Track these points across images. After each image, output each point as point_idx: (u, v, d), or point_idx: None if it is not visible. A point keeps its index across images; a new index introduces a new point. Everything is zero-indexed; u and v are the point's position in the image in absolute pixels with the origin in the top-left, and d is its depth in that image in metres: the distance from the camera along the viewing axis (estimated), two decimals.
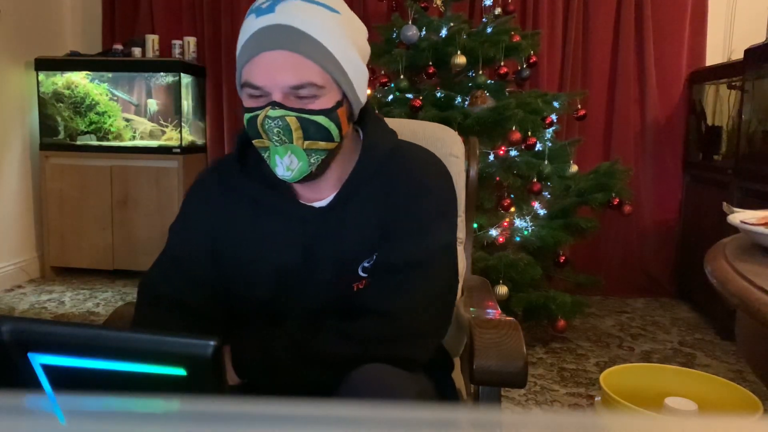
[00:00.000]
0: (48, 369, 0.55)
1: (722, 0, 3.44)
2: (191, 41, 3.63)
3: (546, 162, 2.65)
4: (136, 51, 3.54)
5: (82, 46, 3.83)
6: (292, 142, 0.90)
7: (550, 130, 2.79)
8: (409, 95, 2.69)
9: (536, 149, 2.67)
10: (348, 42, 0.91)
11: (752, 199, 2.56)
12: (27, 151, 3.57)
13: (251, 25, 0.89)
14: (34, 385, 0.55)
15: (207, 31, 3.69)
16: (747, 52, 2.73)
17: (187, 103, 3.60)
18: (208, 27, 3.69)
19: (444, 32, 2.79)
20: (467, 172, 1.40)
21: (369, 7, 3.54)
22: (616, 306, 3.31)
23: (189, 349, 0.55)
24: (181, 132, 3.50)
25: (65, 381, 0.56)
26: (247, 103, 0.92)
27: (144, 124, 3.60)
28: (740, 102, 2.79)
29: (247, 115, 0.92)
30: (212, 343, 0.54)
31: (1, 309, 3.05)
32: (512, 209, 2.63)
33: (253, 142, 0.94)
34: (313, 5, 0.89)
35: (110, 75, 3.55)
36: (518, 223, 2.68)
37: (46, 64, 3.50)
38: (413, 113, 2.53)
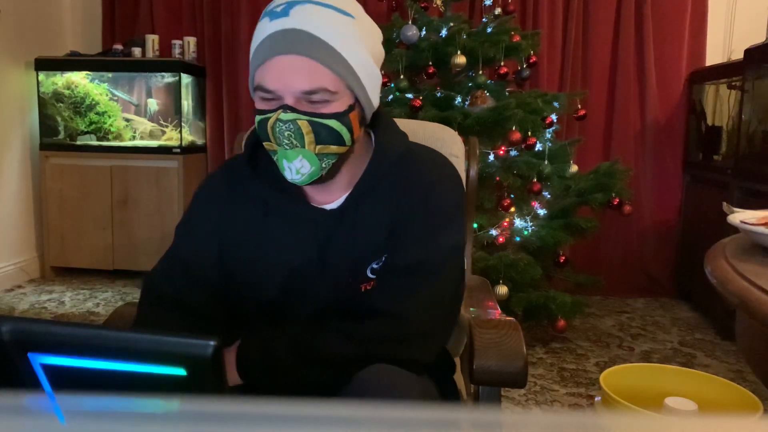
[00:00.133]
0: (48, 369, 0.55)
1: (722, 0, 3.44)
2: (191, 41, 3.63)
3: (546, 162, 2.65)
4: (136, 51, 3.54)
5: (82, 46, 3.83)
6: (304, 147, 0.90)
7: (550, 130, 2.79)
8: (409, 95, 2.69)
9: (536, 149, 2.67)
10: (361, 46, 0.91)
11: (752, 199, 2.56)
12: (27, 151, 3.57)
13: (265, 28, 0.89)
14: (34, 385, 0.55)
15: (207, 31, 3.69)
16: (747, 52, 2.73)
17: (187, 103, 3.60)
18: (208, 27, 3.69)
19: (444, 32, 2.79)
20: (467, 172, 1.40)
21: (369, 7, 3.54)
22: (616, 306, 3.31)
23: (189, 349, 0.55)
24: (181, 132, 3.50)
25: (65, 381, 0.56)
26: (259, 105, 0.91)
27: (144, 124, 3.60)
28: (740, 102, 2.79)
29: (258, 117, 0.92)
30: (212, 343, 0.54)
31: (1, 309, 3.05)
32: (512, 209, 2.63)
33: (264, 144, 0.94)
34: (328, 9, 0.88)
35: (110, 75, 3.55)
36: (518, 223, 2.68)
37: (46, 64, 3.50)
38: (413, 113, 2.53)
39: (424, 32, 2.78)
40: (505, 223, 2.66)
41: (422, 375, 0.93)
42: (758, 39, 2.79)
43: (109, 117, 3.58)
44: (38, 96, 3.52)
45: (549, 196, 2.78)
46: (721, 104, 3.20)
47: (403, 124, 1.11)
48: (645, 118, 3.48)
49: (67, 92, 3.55)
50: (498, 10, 2.94)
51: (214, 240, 1.02)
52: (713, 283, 0.86)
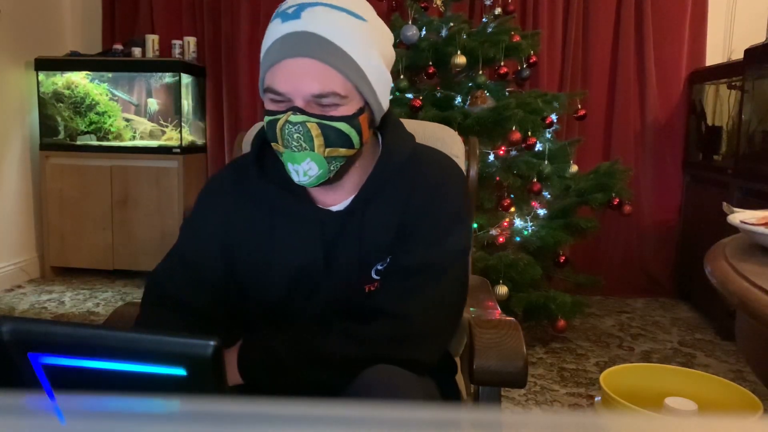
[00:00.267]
0: (48, 369, 0.55)
1: (722, 0, 3.44)
2: (191, 41, 3.63)
3: (546, 162, 2.65)
4: (136, 51, 3.54)
5: (82, 46, 3.83)
6: (314, 150, 0.89)
7: (550, 130, 2.79)
8: (409, 95, 2.69)
9: (536, 149, 2.67)
10: (373, 50, 0.91)
11: (752, 199, 2.56)
12: (27, 151, 3.57)
13: (276, 30, 0.89)
14: (34, 385, 0.55)
15: (207, 31, 3.69)
16: (747, 52, 2.73)
17: (187, 103, 3.60)
18: (208, 27, 3.69)
19: (444, 32, 2.79)
20: (467, 172, 1.40)
21: None
22: (616, 306, 3.31)
23: (189, 349, 0.55)
24: (181, 132, 3.51)
25: (65, 381, 0.56)
26: (269, 106, 0.91)
27: (144, 124, 3.60)
28: (740, 102, 2.79)
29: (267, 118, 0.91)
30: (212, 343, 0.54)
31: (1, 309, 3.05)
32: (512, 209, 2.63)
33: (272, 144, 0.94)
34: (340, 12, 0.88)
35: (110, 75, 3.55)
36: (518, 223, 2.68)
37: (46, 64, 3.50)
38: (413, 113, 2.53)
39: (424, 32, 2.78)
40: (505, 223, 2.66)
41: (425, 376, 0.93)
42: (758, 39, 2.79)
43: (109, 117, 3.58)
44: (38, 96, 3.52)
45: (549, 196, 2.78)
46: (721, 104, 3.20)
47: (403, 124, 1.11)
48: (645, 118, 3.48)
49: (67, 92, 3.55)
50: (498, 10, 2.94)
51: (221, 240, 1.02)
52: (713, 283, 0.86)
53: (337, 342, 0.90)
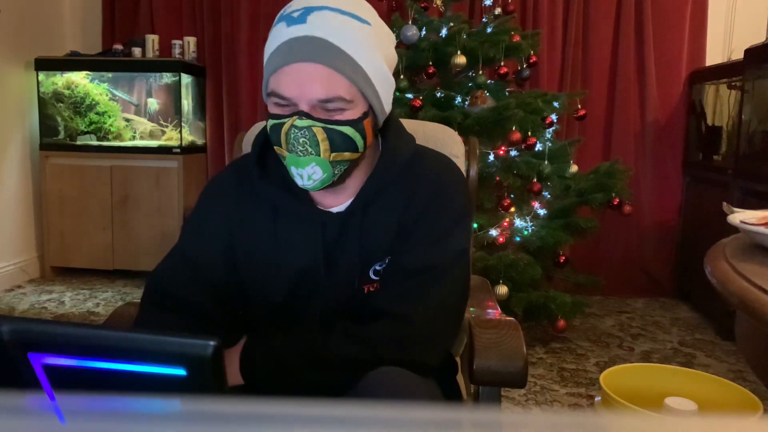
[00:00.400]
0: (48, 369, 0.55)
1: (722, 0, 3.44)
2: (191, 41, 3.63)
3: (546, 162, 2.65)
4: (136, 51, 3.54)
5: (82, 46, 3.83)
6: (319, 154, 0.89)
7: (550, 130, 2.79)
8: (409, 95, 2.69)
9: (536, 149, 2.67)
10: (377, 54, 0.91)
11: (752, 199, 2.56)
12: (27, 151, 3.57)
13: (281, 33, 0.88)
14: (34, 385, 0.55)
15: (207, 31, 3.69)
16: (747, 52, 2.73)
17: (187, 103, 3.60)
18: (208, 27, 3.69)
19: (444, 32, 2.79)
20: (467, 172, 1.40)
21: None
22: (616, 306, 3.31)
23: (189, 349, 0.55)
24: (181, 132, 3.51)
25: (65, 381, 0.56)
26: (273, 109, 0.91)
27: (144, 124, 3.60)
28: (740, 102, 2.79)
29: (271, 122, 0.91)
30: (212, 343, 0.54)
31: (1, 309, 3.05)
32: (512, 209, 2.63)
33: (275, 148, 0.94)
34: (345, 16, 0.88)
35: (110, 75, 3.55)
36: (518, 223, 2.68)
37: (46, 64, 3.50)
38: (413, 113, 2.53)
39: (424, 32, 2.78)
40: (505, 223, 2.66)
41: (429, 378, 0.93)
42: (758, 39, 2.79)
43: (109, 117, 3.58)
44: (38, 96, 3.52)
45: (549, 196, 2.78)
46: (721, 104, 3.20)
47: (403, 124, 1.11)
48: (645, 118, 3.48)
49: (67, 92, 3.55)
50: (498, 10, 2.94)
51: (222, 240, 1.02)
52: (713, 283, 0.86)
53: (339, 343, 0.90)
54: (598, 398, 1.49)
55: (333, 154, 0.90)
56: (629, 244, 3.51)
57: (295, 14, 0.88)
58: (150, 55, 3.55)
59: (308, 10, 0.87)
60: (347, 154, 0.92)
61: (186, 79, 3.56)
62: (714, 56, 3.43)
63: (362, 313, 0.94)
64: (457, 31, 2.72)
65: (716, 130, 3.23)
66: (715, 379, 1.49)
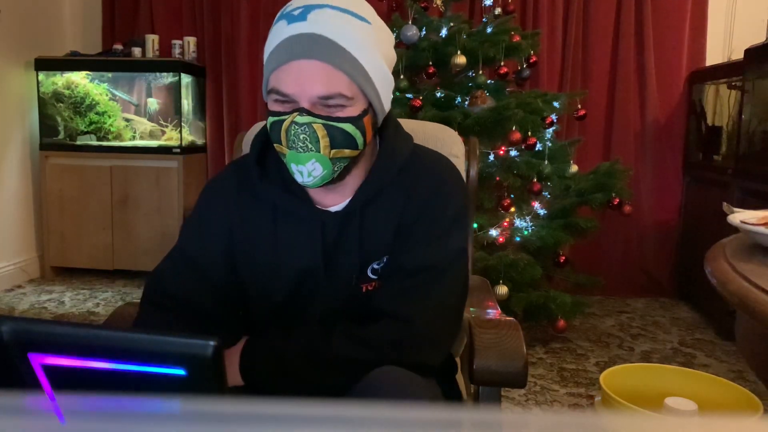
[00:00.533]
0: (48, 369, 0.55)
1: (722, 0, 3.44)
2: (191, 41, 3.63)
3: (546, 162, 2.65)
4: (136, 51, 3.54)
5: (82, 46, 3.83)
6: (319, 151, 0.89)
7: (550, 130, 2.79)
8: (409, 95, 2.69)
9: (536, 149, 2.67)
10: (377, 52, 0.91)
11: (752, 199, 2.56)
12: (27, 151, 3.57)
13: (282, 31, 0.89)
14: (34, 385, 0.55)
15: (207, 31, 3.69)
16: (747, 52, 2.73)
17: (187, 103, 3.60)
18: (208, 27, 3.69)
19: (444, 32, 2.79)
20: (467, 172, 1.40)
21: None
22: (616, 306, 3.31)
23: (189, 349, 0.55)
24: (181, 132, 3.51)
25: (65, 381, 0.56)
26: (273, 107, 0.91)
27: (144, 124, 3.60)
28: (740, 102, 2.79)
29: (271, 119, 0.91)
30: (212, 343, 0.54)
31: (1, 309, 3.05)
32: (512, 209, 2.63)
33: (275, 145, 0.94)
34: (345, 14, 0.88)
35: (110, 75, 3.55)
36: (518, 223, 2.68)
37: (46, 64, 3.50)
38: (413, 113, 2.53)
39: (424, 32, 2.78)
40: (505, 223, 2.66)
41: (430, 378, 0.94)
42: (758, 39, 2.79)
43: (109, 117, 3.58)
44: (38, 96, 3.52)
45: (549, 196, 2.78)
46: (721, 104, 3.20)
47: (403, 124, 1.11)
48: (645, 118, 3.48)
49: (67, 92, 3.55)
50: (498, 10, 2.94)
51: (223, 240, 1.02)
52: (713, 283, 0.86)
53: (340, 344, 0.90)
54: (598, 398, 1.50)
55: (333, 151, 0.90)
56: (629, 244, 3.51)
57: (296, 12, 0.88)
58: (150, 55, 3.55)
59: (309, 8, 0.88)
60: (347, 151, 0.92)
61: (186, 79, 3.56)
62: (714, 56, 3.43)
63: (362, 314, 0.94)
64: (457, 31, 2.72)
65: (716, 130, 3.23)
66: (715, 379, 1.49)
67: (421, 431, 0.33)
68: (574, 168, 2.80)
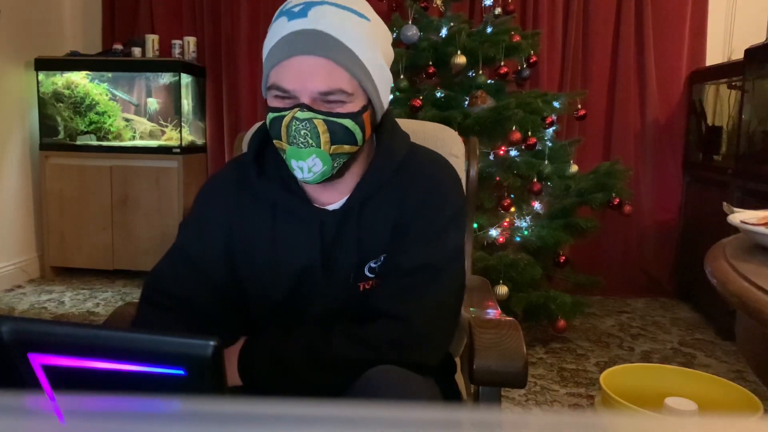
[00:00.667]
0: (48, 369, 0.55)
1: (722, 0, 3.44)
2: (191, 41, 3.63)
3: (546, 162, 2.65)
4: (136, 51, 3.54)
5: (82, 46, 3.83)
6: (320, 146, 0.90)
7: (550, 130, 2.79)
8: (410, 95, 2.69)
9: (536, 149, 2.67)
10: (376, 49, 0.92)
11: (752, 199, 2.56)
12: (27, 151, 3.57)
13: (282, 27, 0.89)
14: (34, 385, 0.55)
15: (207, 31, 3.69)
16: (747, 52, 2.73)
17: (187, 103, 3.60)
18: (208, 27, 3.69)
19: (444, 32, 2.79)
20: (467, 172, 1.40)
21: None
22: (616, 306, 3.31)
23: (189, 349, 0.55)
24: (181, 132, 3.51)
25: (65, 381, 0.56)
26: (273, 103, 0.91)
27: (144, 124, 3.60)
28: (740, 102, 2.79)
29: (271, 115, 0.91)
30: (212, 343, 0.54)
31: (1, 309, 3.05)
32: (512, 209, 2.63)
33: (275, 141, 0.94)
34: (345, 11, 0.89)
35: (110, 75, 3.55)
36: (518, 223, 2.68)
37: (46, 64, 3.50)
38: (413, 113, 2.53)
39: (424, 32, 2.78)
40: (505, 223, 2.66)
41: (428, 377, 0.94)
42: (758, 39, 2.79)
43: (109, 117, 3.58)
44: (38, 96, 3.52)
45: (549, 196, 2.78)
46: (721, 104, 3.20)
47: (403, 124, 1.11)
48: (645, 118, 3.48)
49: (67, 92, 3.55)
50: (498, 10, 2.94)
51: (222, 239, 1.02)
52: (713, 284, 0.86)
53: (339, 344, 0.90)
54: (598, 398, 1.49)
55: (333, 147, 0.91)
56: (629, 244, 3.51)
57: (296, 9, 0.89)
58: (150, 55, 3.55)
59: (309, 5, 0.88)
60: (347, 147, 0.92)
61: (186, 79, 3.56)
62: (714, 56, 3.43)
63: (361, 313, 0.94)
64: (457, 31, 2.72)
65: (716, 130, 3.23)
66: (715, 379, 1.49)
67: (421, 431, 0.33)
68: (574, 168, 2.80)
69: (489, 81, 2.82)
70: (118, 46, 3.57)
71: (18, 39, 3.43)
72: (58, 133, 3.57)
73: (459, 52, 2.67)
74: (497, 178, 2.64)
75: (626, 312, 3.22)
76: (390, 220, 0.98)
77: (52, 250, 3.57)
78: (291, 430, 0.32)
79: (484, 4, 3.04)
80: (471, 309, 1.18)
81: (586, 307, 2.73)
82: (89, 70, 3.54)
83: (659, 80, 3.44)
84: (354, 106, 0.91)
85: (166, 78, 3.53)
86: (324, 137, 0.89)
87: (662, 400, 1.37)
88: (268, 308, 1.03)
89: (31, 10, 3.52)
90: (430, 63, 2.72)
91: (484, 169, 2.58)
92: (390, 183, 0.99)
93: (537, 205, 2.72)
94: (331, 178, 0.94)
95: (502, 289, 2.49)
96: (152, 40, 3.56)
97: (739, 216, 0.97)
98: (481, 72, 2.76)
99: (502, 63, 2.73)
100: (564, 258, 2.70)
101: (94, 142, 3.56)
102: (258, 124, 1.10)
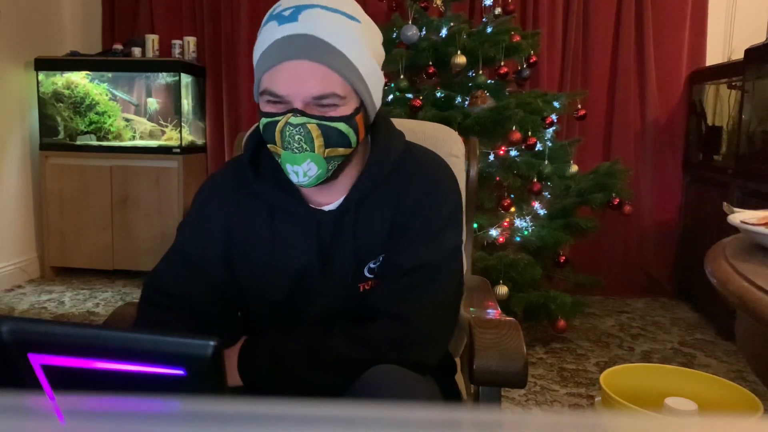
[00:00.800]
0: (48, 369, 0.55)
1: (722, 0, 3.44)
2: (191, 41, 3.63)
3: (546, 162, 2.65)
4: (136, 51, 3.54)
5: (82, 46, 3.83)
6: (314, 151, 0.90)
7: (550, 130, 2.79)
8: (409, 95, 2.69)
9: (536, 149, 2.67)
10: (367, 51, 0.92)
11: (752, 199, 2.56)
12: (27, 151, 3.57)
13: (272, 32, 0.89)
14: (34, 385, 0.55)
15: (207, 31, 3.69)
16: (747, 52, 2.73)
17: (187, 103, 3.60)
18: (208, 27, 3.69)
19: (444, 32, 2.79)
20: (467, 172, 1.40)
21: (369, 7, 3.54)
22: (616, 306, 3.31)
23: (189, 349, 0.55)
24: (181, 132, 3.50)
25: (65, 381, 0.56)
26: (266, 108, 0.91)
27: (144, 124, 3.60)
28: (740, 102, 2.79)
29: (264, 120, 0.91)
30: (212, 343, 0.54)
31: (1, 309, 3.05)
32: (512, 209, 2.63)
33: (269, 146, 0.94)
34: (335, 14, 0.88)
35: (110, 75, 3.55)
36: (518, 223, 2.68)
37: (46, 64, 3.50)
38: (413, 113, 2.53)
39: (424, 32, 2.78)
40: (505, 223, 2.66)
41: (428, 377, 0.94)
42: (758, 39, 2.79)
43: (109, 117, 3.58)
44: (38, 96, 3.52)
45: (549, 196, 2.78)
46: (721, 104, 3.20)
47: (403, 124, 1.11)
48: (645, 118, 3.48)
49: (67, 92, 3.55)
50: (498, 10, 2.94)
51: (221, 240, 1.02)
52: (713, 283, 0.86)
53: (338, 344, 0.90)
54: (598, 398, 1.49)
55: (327, 150, 0.91)
56: (629, 244, 3.51)
57: (286, 13, 0.88)
58: (150, 55, 3.55)
59: (299, 9, 0.88)
60: (341, 150, 0.92)
61: (186, 79, 3.56)
62: (714, 56, 3.43)
63: (360, 313, 0.94)
64: (457, 31, 2.72)
65: (716, 130, 3.23)
66: (715, 379, 1.49)
67: (421, 431, 0.33)
68: (574, 168, 2.80)
69: (489, 81, 2.82)
70: (118, 46, 3.57)
71: (18, 39, 3.43)
72: (58, 133, 3.57)
73: (459, 52, 2.67)
74: (497, 178, 2.65)
75: (626, 312, 3.22)
76: (387, 219, 0.98)
77: (52, 250, 3.57)
78: (291, 430, 0.32)
79: (484, 4, 3.04)
80: (471, 309, 1.18)
81: (586, 307, 2.74)
82: (89, 70, 3.54)
83: (659, 80, 3.44)
84: (347, 109, 0.91)
85: (166, 78, 3.53)
86: (318, 141, 0.89)
87: (662, 400, 1.37)
88: (268, 308, 1.03)
89: (31, 10, 3.52)
90: (430, 63, 2.72)
91: (484, 169, 2.58)
92: (386, 182, 0.99)
93: (537, 205, 2.72)
94: (326, 180, 0.94)
95: (502, 289, 2.49)
96: (152, 40, 3.56)
97: (739, 216, 0.97)
98: (481, 72, 2.76)
99: (502, 63, 2.73)
100: (564, 258, 2.70)
101: (94, 142, 3.56)
102: (255, 125, 1.10)
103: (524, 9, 3.46)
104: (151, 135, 3.59)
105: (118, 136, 3.59)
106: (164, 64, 3.52)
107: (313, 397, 0.87)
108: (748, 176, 2.67)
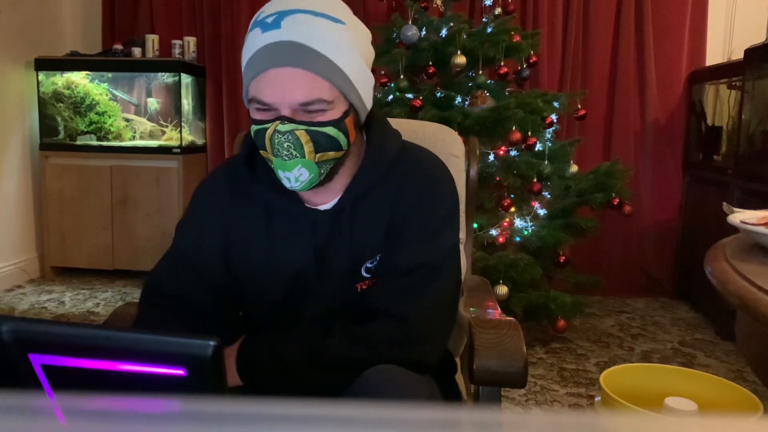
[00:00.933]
0: (48, 369, 0.55)
1: (722, 0, 3.44)
2: (191, 41, 3.63)
3: (546, 162, 2.65)
4: (136, 51, 3.54)
5: (82, 46, 3.83)
6: (304, 156, 0.90)
7: (550, 130, 2.79)
8: (409, 95, 2.69)
9: (536, 149, 2.67)
10: (355, 52, 0.91)
11: (752, 199, 2.56)
12: (27, 151, 3.57)
13: (257, 40, 0.88)
14: (34, 385, 0.55)
15: (207, 31, 3.69)
16: (747, 52, 2.73)
17: (187, 103, 3.60)
18: (208, 27, 3.69)
19: (444, 32, 2.79)
20: (467, 172, 1.40)
21: (369, 7, 3.54)
22: (616, 306, 3.31)
23: (189, 349, 0.55)
24: (181, 132, 3.51)
25: (65, 381, 0.56)
26: (255, 115, 0.91)
27: (144, 124, 3.60)
28: (740, 102, 2.79)
29: (255, 128, 0.91)
30: (212, 343, 0.54)
31: (1, 309, 3.05)
32: (512, 209, 2.63)
33: (261, 152, 0.94)
34: (319, 18, 0.88)
35: (110, 75, 3.55)
36: (518, 223, 2.68)
37: (46, 64, 3.50)
38: (413, 113, 2.53)
39: (424, 32, 2.78)
40: (505, 223, 2.66)
41: (427, 376, 0.94)
42: (758, 39, 2.79)
43: (109, 117, 3.58)
44: (38, 96, 3.52)
45: (549, 196, 2.78)
46: (721, 104, 3.20)
47: (403, 124, 1.11)
48: (645, 118, 3.48)
49: (67, 92, 3.55)
50: (498, 10, 2.94)
51: (219, 240, 1.02)
52: (713, 283, 0.86)
53: (337, 343, 0.90)
54: (598, 398, 1.49)
55: (318, 155, 0.90)
56: (629, 244, 3.51)
57: (269, 20, 0.88)
58: (150, 55, 3.55)
59: (281, 15, 0.87)
60: (331, 153, 0.92)
61: (186, 79, 3.56)
62: (714, 56, 3.43)
63: (359, 313, 0.94)
64: (457, 31, 2.72)
65: (716, 130, 3.23)
66: (715, 379, 1.49)
67: (421, 431, 0.33)
68: (574, 168, 2.80)
69: (489, 81, 2.82)
70: (118, 46, 3.57)
71: (18, 39, 3.43)
72: (58, 133, 3.57)
73: (459, 52, 2.67)
74: (497, 178, 2.65)
75: (626, 312, 3.22)
76: (384, 219, 0.98)
77: (52, 250, 3.57)
78: (291, 430, 0.32)
79: (484, 4, 3.04)
80: (471, 309, 1.18)
81: (586, 307, 2.74)
82: (89, 70, 3.54)
83: (659, 80, 3.44)
84: (335, 113, 0.90)
85: (166, 78, 3.53)
86: (308, 147, 0.89)
87: (662, 400, 1.37)
88: (267, 308, 1.03)
89: (31, 10, 3.52)
90: (430, 63, 2.72)
91: (484, 169, 2.58)
92: (383, 182, 0.99)
93: (537, 205, 2.72)
94: (320, 183, 0.94)
95: (502, 289, 2.49)
96: (152, 40, 3.56)
97: (739, 216, 0.97)
98: (481, 72, 2.76)
99: (502, 63, 2.73)
100: (564, 258, 2.70)
101: (94, 142, 3.56)
102: None
103: (524, 9, 3.46)
104: (151, 135, 3.59)
105: (118, 136, 3.59)
106: (164, 64, 3.52)
107: (313, 396, 0.87)
108: (748, 176, 2.67)
